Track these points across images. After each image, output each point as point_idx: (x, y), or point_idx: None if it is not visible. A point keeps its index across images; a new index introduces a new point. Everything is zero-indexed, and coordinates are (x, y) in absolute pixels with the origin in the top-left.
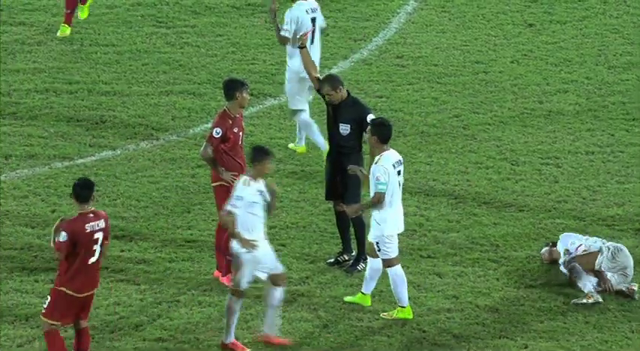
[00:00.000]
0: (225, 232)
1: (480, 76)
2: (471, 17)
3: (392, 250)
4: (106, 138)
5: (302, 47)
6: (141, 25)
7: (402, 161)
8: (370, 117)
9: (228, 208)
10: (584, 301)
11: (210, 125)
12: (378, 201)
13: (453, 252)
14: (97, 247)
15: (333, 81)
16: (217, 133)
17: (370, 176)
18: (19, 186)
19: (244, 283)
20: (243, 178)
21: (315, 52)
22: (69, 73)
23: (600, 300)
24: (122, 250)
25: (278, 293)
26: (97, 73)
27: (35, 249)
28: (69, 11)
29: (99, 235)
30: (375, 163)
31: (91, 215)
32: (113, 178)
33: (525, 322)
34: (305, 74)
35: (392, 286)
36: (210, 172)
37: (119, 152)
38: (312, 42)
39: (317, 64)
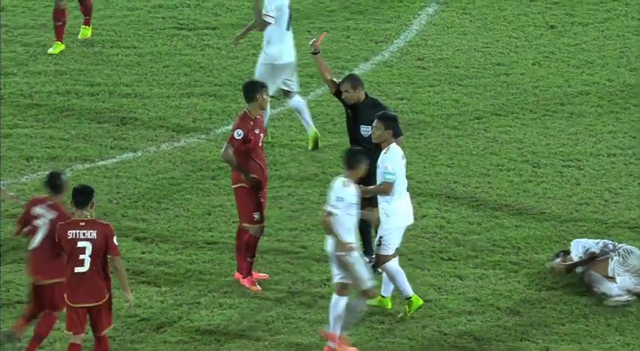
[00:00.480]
0: (246, 233)
1: (501, 78)
2: (492, 19)
3: (393, 245)
4: (127, 140)
5: (316, 53)
6: (162, 28)
7: (405, 156)
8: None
9: (329, 209)
10: (617, 298)
11: (231, 127)
12: (386, 190)
13: (474, 254)
14: (84, 257)
15: (353, 79)
16: (239, 134)
17: (378, 165)
18: (40, 188)
19: (369, 280)
20: (342, 179)
21: (291, 39)
22: (90, 75)
23: (631, 299)
24: (143, 252)
25: (362, 303)
26: (119, 75)
27: None
28: (87, 17)
29: (85, 245)
30: (385, 153)
31: (82, 224)
32: (134, 180)
33: (547, 325)
34: (280, 62)
35: (393, 282)
36: (230, 174)
37: (140, 154)
38: (287, 28)
39: (292, 51)
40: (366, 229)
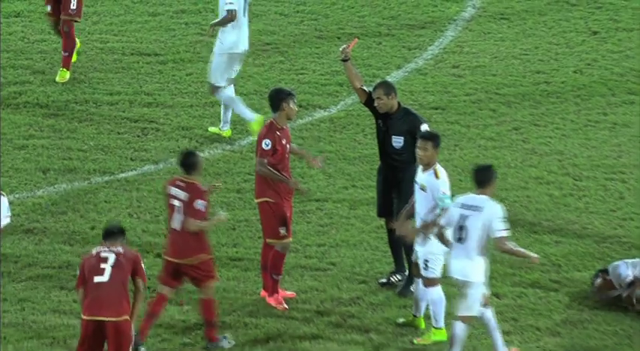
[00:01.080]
0: (272, 249)
1: (540, 86)
2: (531, 24)
3: (439, 268)
4: (148, 151)
5: (346, 60)
6: (185, 33)
7: None
8: (425, 127)
9: (506, 233)
10: None
11: (256, 138)
12: None
13: (511, 272)
14: (105, 266)
15: (387, 86)
16: (267, 144)
17: (429, 190)
18: (57, 202)
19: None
20: (496, 203)
21: (246, 28)
22: (109, 83)
23: None
24: None
25: (489, 313)
26: (139, 84)
27: (74, 267)
28: (66, 54)
29: (107, 255)
30: (436, 176)
31: (106, 246)
32: (155, 194)
33: (589, 347)
34: (237, 51)
35: (431, 307)
36: (255, 187)
37: (162, 166)
38: (244, 14)
39: (246, 40)
40: (398, 243)
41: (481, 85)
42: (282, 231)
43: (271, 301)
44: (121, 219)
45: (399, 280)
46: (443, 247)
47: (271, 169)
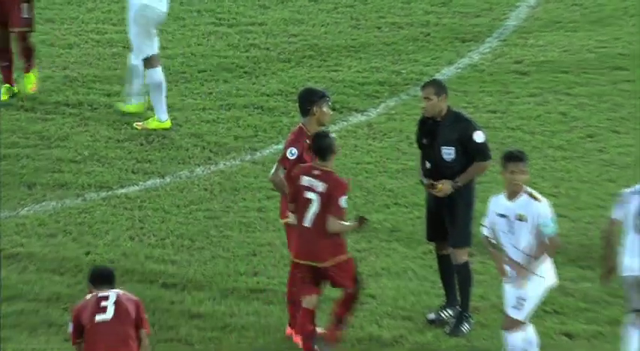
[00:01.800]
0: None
1: (620, 85)
2: (609, 12)
3: (531, 312)
4: (153, 162)
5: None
6: (197, 23)
7: None
8: (479, 136)
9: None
10: None
11: (282, 146)
12: (559, 246)
13: (585, 307)
14: (107, 304)
15: (438, 85)
16: (292, 153)
17: (531, 218)
18: (45, 222)
19: None
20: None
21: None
22: (107, 82)
23: None
24: (172, 302)
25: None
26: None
27: (65, 300)
28: (28, 64)
29: (108, 294)
30: (536, 199)
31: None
32: (162, 213)
33: None
34: (149, 13)
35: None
36: (279, 205)
37: (169, 180)
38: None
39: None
40: (451, 271)
41: (548, 83)
42: None
43: (298, 340)
44: (120, 242)
45: (451, 317)
46: (550, 283)
47: (284, 180)
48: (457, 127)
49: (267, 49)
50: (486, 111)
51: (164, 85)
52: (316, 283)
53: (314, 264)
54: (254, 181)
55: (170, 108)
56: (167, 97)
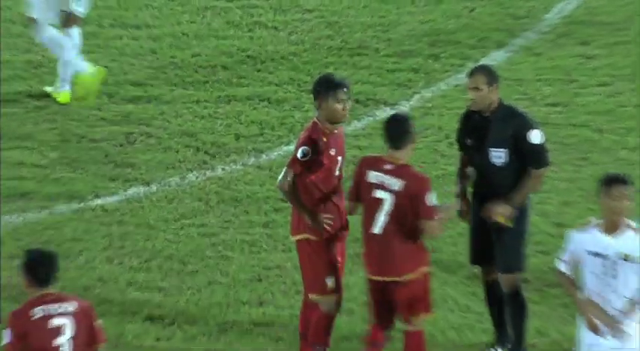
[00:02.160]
0: (315, 309)
1: None
2: None
3: None
4: (135, 167)
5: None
6: None
7: None
8: (535, 136)
9: None
10: None
11: (292, 147)
12: None
13: None
14: (60, 342)
15: (489, 73)
16: (304, 153)
17: (632, 253)
18: (4, 240)
19: None
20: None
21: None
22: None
23: None
24: (158, 339)
25: None
26: (123, 69)
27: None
28: None
29: (61, 322)
30: (634, 228)
31: (50, 298)
32: (146, 229)
33: None
34: None
35: None
36: (290, 219)
37: (155, 188)
38: None
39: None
40: (500, 302)
41: (621, 70)
42: (330, 283)
43: None
44: (96, 265)
45: None
46: None
47: (294, 187)
48: (510, 124)
49: (275, 28)
50: (545, 104)
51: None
52: (389, 310)
53: (388, 279)
54: (259, 189)
55: (156, 100)
56: (152, 85)
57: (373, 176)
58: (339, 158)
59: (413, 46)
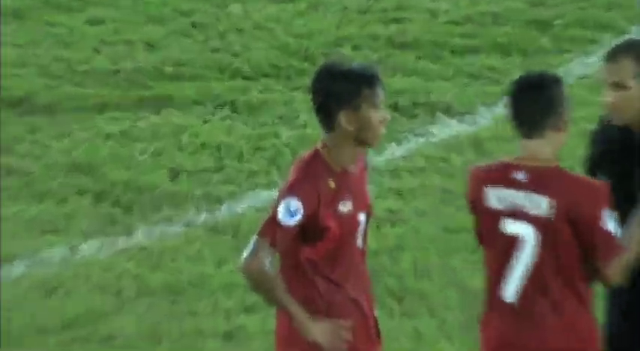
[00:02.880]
0: None
1: None
2: None
3: None
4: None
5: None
6: None
7: None
8: None
9: None
10: None
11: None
12: None
13: None
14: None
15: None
16: (290, 212)
17: None
18: None
19: None
20: None
21: None
22: (47, 58)
23: None
24: None
25: None
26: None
27: None
28: None
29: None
30: None
31: None
32: (137, 280)
33: None
34: None
35: None
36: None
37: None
38: None
39: None
40: None
41: None
42: None
43: None
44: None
45: None
46: None
47: (268, 271)
48: None
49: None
50: None
51: None
52: None
53: None
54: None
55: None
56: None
57: (495, 197)
58: (361, 216)
59: (476, 29)
